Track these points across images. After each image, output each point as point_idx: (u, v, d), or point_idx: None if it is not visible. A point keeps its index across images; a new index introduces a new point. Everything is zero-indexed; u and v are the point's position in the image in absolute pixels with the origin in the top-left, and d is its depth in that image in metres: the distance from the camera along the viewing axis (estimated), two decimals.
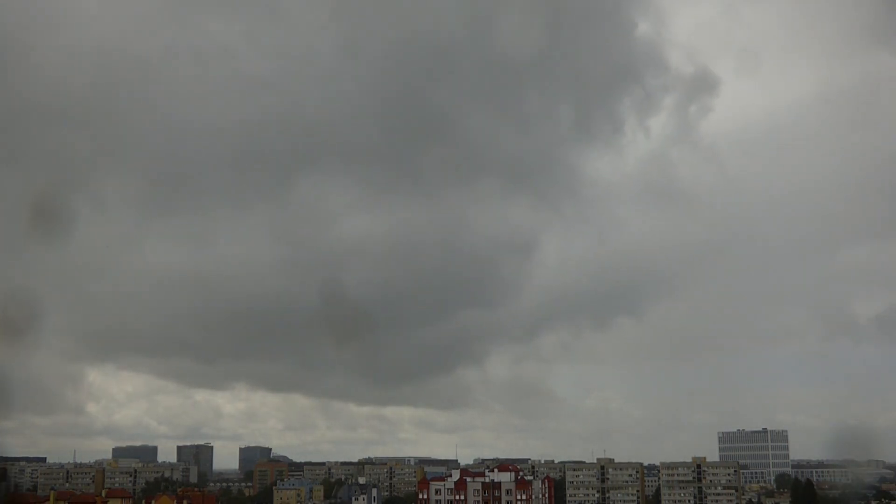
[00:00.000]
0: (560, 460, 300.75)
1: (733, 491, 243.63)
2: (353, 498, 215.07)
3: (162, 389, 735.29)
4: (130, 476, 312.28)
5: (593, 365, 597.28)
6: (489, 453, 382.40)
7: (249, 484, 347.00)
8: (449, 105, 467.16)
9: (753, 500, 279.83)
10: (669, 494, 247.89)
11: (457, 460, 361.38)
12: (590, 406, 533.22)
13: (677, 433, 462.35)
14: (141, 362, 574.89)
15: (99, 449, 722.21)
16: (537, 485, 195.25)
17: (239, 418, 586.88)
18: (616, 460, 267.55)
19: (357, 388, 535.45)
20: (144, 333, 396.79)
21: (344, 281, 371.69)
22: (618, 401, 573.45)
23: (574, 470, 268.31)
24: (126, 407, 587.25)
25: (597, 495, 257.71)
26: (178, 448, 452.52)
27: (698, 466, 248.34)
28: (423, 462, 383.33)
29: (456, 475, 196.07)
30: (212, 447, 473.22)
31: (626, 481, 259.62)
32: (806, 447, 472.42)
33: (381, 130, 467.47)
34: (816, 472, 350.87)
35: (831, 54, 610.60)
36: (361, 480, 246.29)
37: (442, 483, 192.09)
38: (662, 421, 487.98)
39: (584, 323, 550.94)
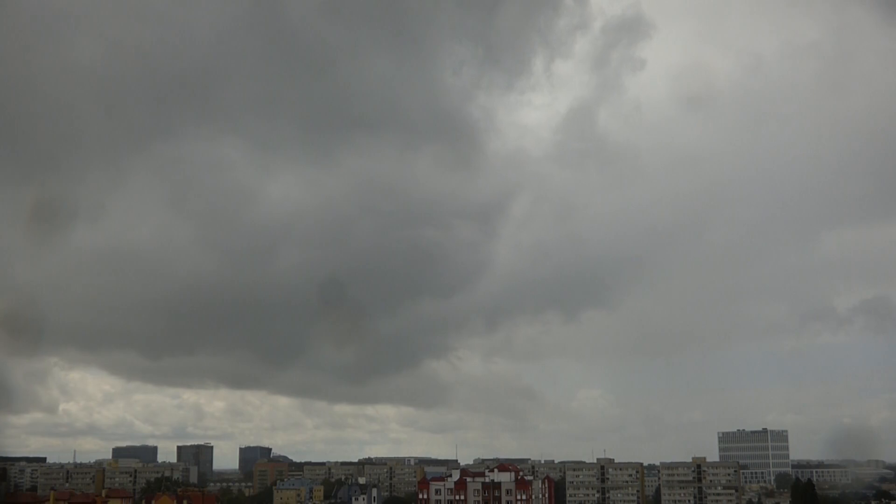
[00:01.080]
0: (559, 460, 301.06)
1: (733, 491, 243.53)
2: (354, 498, 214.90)
3: (132, 388, 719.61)
4: (130, 476, 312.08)
5: (568, 360, 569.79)
6: (479, 453, 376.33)
7: (249, 484, 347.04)
8: (336, 45, 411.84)
9: (753, 500, 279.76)
10: (669, 494, 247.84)
11: (457, 460, 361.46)
12: (576, 406, 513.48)
13: (668, 433, 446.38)
14: (86, 358, 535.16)
15: (84, 450, 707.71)
16: (537, 485, 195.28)
17: (220, 417, 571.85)
18: (616, 460, 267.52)
19: (324, 384, 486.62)
20: (77, 324, 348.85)
21: (276, 265, 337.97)
22: (602, 399, 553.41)
23: (574, 470, 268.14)
24: (105, 406, 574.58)
25: (597, 495, 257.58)
26: (178, 448, 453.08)
27: (698, 466, 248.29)
28: (422, 462, 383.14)
29: (456, 475, 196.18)
30: (211, 447, 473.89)
31: (626, 481, 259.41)
32: (804, 447, 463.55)
33: (263, 74, 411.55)
34: (816, 472, 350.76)
35: (793, 3, 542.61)
36: (361, 480, 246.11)
37: (442, 483, 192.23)
38: (651, 420, 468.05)
39: (553, 317, 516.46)
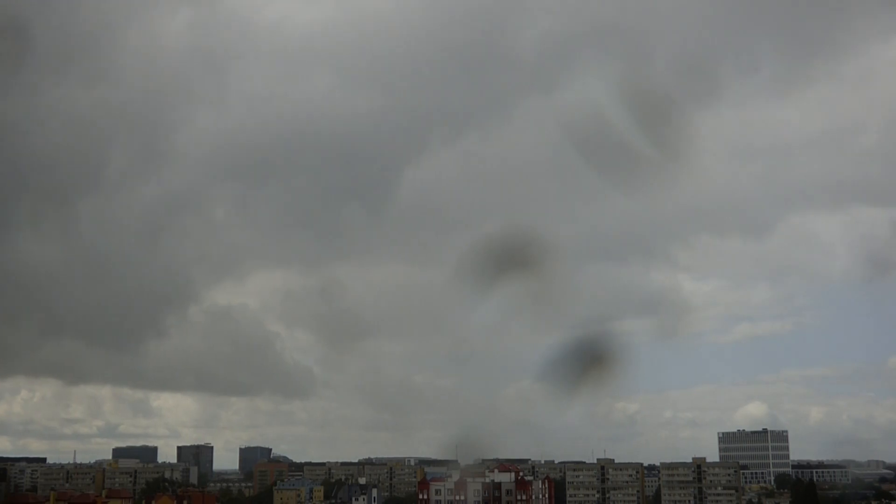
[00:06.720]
0: (560, 460, 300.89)
1: (733, 491, 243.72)
2: (354, 498, 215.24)
3: None
4: (130, 476, 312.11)
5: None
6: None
7: (249, 484, 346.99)
8: None
9: (753, 500, 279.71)
10: (669, 495, 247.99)
11: (457, 460, 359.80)
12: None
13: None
14: None
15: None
16: (537, 485, 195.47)
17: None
18: (616, 461, 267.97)
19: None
20: None
21: None
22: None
23: (574, 470, 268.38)
24: None
25: (597, 496, 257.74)
26: (179, 448, 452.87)
27: (698, 467, 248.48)
28: (423, 462, 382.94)
29: (456, 475, 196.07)
30: (212, 447, 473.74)
31: (626, 482, 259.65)
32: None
33: None
34: (816, 472, 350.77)
35: None
36: (362, 481, 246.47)
37: (442, 483, 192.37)
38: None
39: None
